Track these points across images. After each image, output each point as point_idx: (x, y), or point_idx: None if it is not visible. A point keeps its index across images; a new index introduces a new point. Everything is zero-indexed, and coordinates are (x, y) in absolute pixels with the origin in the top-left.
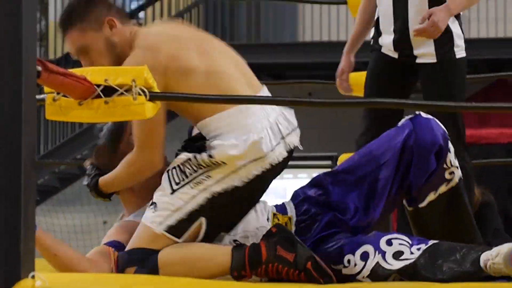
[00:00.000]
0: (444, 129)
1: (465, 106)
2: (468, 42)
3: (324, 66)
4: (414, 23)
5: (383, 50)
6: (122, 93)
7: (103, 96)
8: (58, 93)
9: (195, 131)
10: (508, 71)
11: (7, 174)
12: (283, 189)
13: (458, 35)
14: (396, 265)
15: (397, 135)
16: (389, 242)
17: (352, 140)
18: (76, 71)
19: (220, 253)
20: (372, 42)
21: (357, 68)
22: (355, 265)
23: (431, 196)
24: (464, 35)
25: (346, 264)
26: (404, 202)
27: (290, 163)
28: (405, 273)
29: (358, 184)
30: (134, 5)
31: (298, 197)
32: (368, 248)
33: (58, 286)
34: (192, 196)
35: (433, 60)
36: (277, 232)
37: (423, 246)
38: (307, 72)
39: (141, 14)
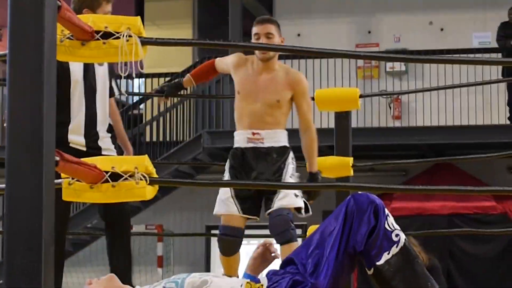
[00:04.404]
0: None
1: (407, 188)
2: (416, 130)
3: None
4: None
5: None
6: (126, 178)
7: (110, 181)
8: (72, 178)
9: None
10: (450, 154)
11: (30, 247)
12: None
13: None
14: None
15: (341, 206)
16: None
17: (320, 211)
18: (87, 160)
19: None
20: None
21: (321, 150)
22: None
23: (386, 256)
24: None
25: None
26: (366, 269)
27: (261, 232)
28: None
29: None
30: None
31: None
32: None
33: None
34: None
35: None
36: None
37: None
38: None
39: (142, 106)
